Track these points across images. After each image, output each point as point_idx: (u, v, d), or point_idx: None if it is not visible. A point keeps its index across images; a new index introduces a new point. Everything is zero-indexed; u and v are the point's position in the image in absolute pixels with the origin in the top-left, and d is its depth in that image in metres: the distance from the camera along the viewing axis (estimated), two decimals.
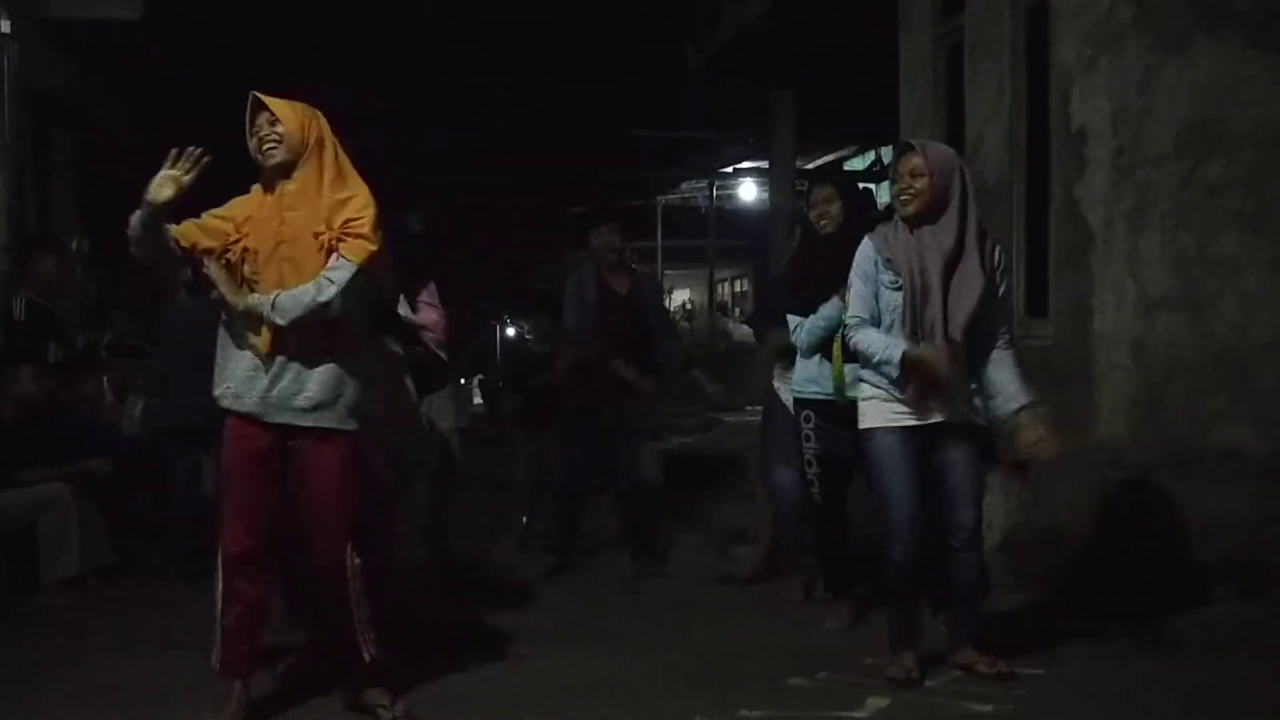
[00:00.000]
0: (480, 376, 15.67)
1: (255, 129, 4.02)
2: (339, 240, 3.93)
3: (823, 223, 5.36)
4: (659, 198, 22.18)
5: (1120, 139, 5.99)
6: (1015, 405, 4.43)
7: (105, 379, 7.83)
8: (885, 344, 4.38)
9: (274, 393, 3.98)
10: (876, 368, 4.43)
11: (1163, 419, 5.87)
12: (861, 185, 6.86)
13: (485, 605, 5.95)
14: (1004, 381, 4.44)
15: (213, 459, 6.51)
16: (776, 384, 6.02)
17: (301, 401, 3.99)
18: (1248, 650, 4.83)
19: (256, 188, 4.09)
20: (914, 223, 4.40)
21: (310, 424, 4.00)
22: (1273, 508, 5.58)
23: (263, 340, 3.96)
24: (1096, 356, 6.04)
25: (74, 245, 8.21)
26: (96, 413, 7.10)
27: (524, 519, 7.78)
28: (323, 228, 3.95)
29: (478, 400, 15.70)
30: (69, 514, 6.08)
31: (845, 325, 4.63)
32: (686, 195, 22.97)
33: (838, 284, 4.84)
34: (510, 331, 18.55)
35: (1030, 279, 6.80)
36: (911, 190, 4.38)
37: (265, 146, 4.00)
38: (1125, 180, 5.99)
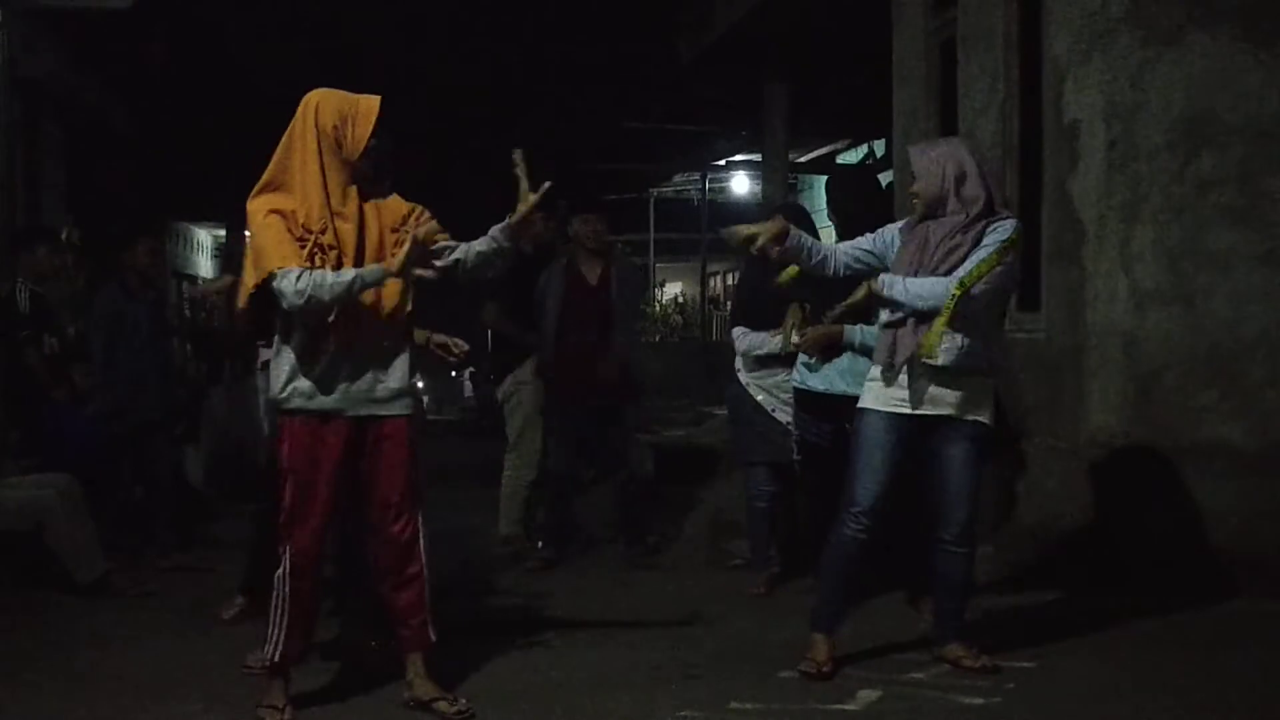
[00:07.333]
0: (471, 369, 15.63)
1: (376, 133, 4.10)
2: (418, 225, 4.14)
3: None
4: (652, 190, 22.16)
5: (1113, 133, 5.99)
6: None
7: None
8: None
9: (355, 387, 4.08)
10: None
11: (1154, 413, 5.87)
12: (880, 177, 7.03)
13: (478, 598, 5.96)
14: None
15: (203, 449, 6.53)
16: (744, 378, 6.06)
17: (382, 393, 4.12)
18: (1237, 644, 4.84)
19: (303, 179, 4.03)
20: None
21: (391, 413, 4.13)
22: (1262, 502, 5.60)
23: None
24: (1088, 350, 6.05)
25: (64, 235, 8.20)
26: (84, 402, 7.07)
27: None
28: (398, 224, 4.18)
29: (469, 394, 15.67)
30: (74, 517, 6.02)
31: (879, 291, 4.44)
32: (679, 188, 22.94)
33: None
34: None
35: (1022, 272, 6.79)
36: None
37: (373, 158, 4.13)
38: (1117, 174, 5.98)
